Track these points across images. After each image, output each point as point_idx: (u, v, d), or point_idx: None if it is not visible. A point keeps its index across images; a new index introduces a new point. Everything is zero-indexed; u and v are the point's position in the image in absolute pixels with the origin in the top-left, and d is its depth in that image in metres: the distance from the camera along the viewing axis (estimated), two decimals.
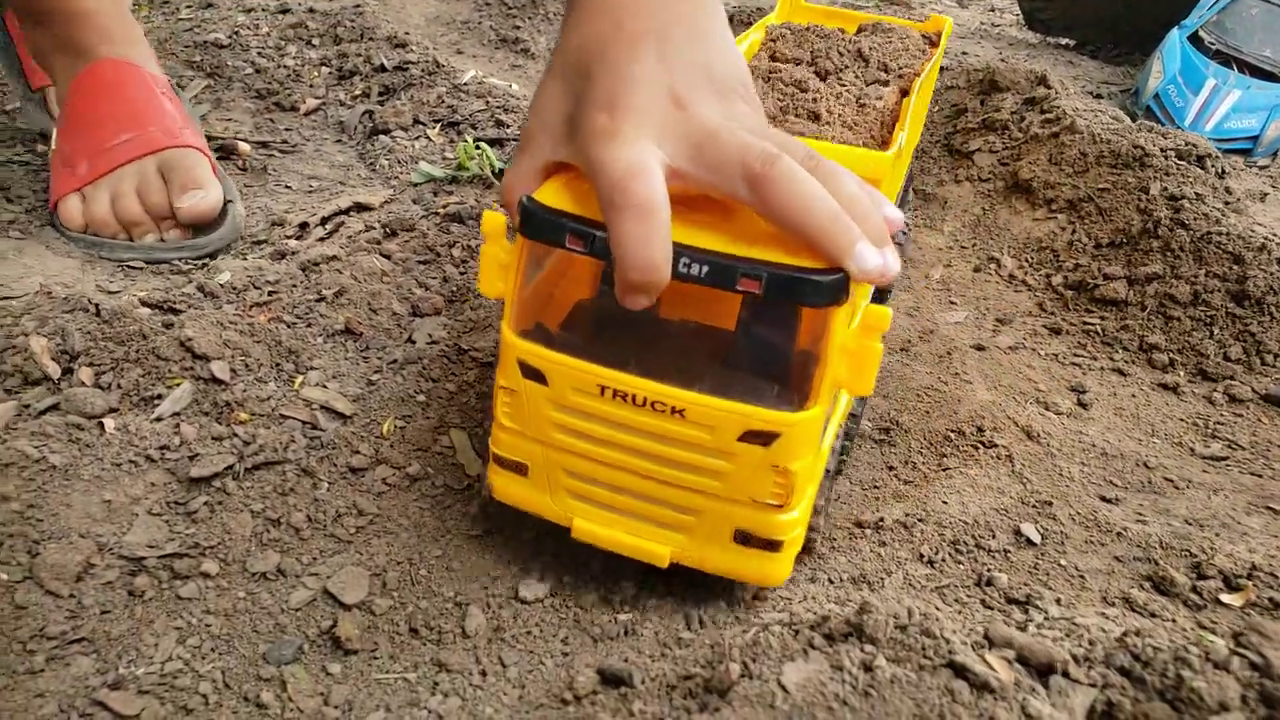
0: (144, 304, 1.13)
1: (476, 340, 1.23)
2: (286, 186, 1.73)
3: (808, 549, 0.93)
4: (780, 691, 0.66)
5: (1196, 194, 1.58)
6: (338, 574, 0.90)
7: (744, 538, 0.83)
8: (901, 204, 1.43)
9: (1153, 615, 0.87)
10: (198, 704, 0.78)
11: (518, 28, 2.77)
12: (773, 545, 0.82)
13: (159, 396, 1.02)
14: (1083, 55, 3.12)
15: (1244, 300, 1.44)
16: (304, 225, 1.51)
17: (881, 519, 1.02)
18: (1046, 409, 1.29)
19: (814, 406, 0.77)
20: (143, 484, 0.93)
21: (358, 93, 2.17)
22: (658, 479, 0.82)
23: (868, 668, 0.67)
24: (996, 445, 1.17)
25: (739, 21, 2.62)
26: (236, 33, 2.39)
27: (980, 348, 1.44)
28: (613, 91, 0.80)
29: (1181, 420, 1.29)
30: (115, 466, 0.93)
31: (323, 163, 1.86)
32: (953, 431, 1.20)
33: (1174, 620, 0.86)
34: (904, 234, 1.41)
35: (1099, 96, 2.53)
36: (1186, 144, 1.70)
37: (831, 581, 0.93)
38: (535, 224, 0.79)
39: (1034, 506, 1.06)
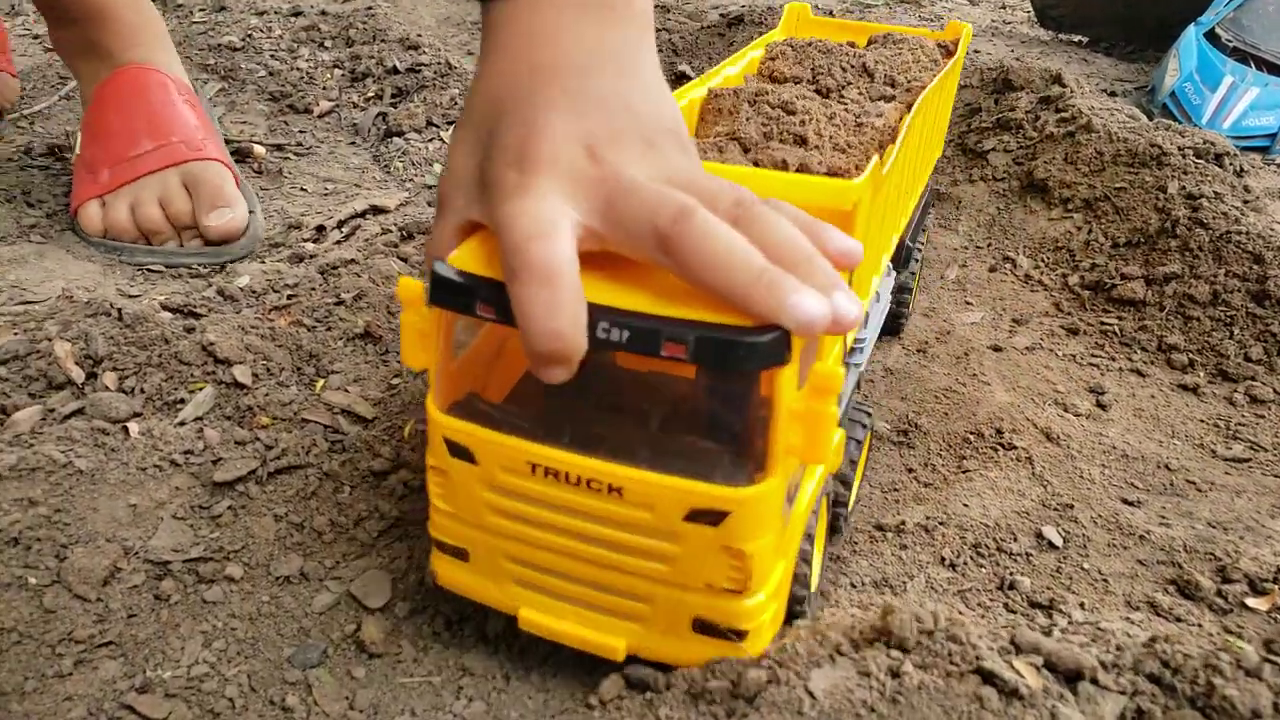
0: (165, 308, 1.14)
1: None
2: (302, 189, 1.74)
3: (794, 616, 0.83)
4: (808, 698, 0.66)
5: (1215, 193, 1.57)
6: (360, 578, 0.91)
7: (704, 626, 0.74)
8: (918, 228, 1.39)
9: (1178, 620, 0.87)
10: (224, 707, 0.78)
11: None
12: (735, 634, 0.74)
13: (182, 401, 1.02)
14: (1096, 53, 3.11)
15: (1265, 300, 1.44)
16: (321, 228, 1.52)
17: (902, 522, 1.02)
18: (1065, 410, 1.29)
19: (768, 479, 0.69)
20: (167, 488, 0.93)
21: (371, 95, 2.18)
22: (605, 565, 0.74)
23: (895, 674, 0.67)
24: (1016, 447, 1.17)
25: (749, 21, 2.61)
26: (250, 35, 2.40)
27: (997, 348, 1.44)
28: (522, 143, 0.73)
29: (1202, 422, 1.29)
30: (140, 471, 0.93)
31: (337, 165, 1.87)
32: (972, 433, 1.20)
33: (1200, 625, 0.86)
34: (918, 248, 1.40)
35: (1113, 94, 2.52)
36: (1204, 142, 1.70)
37: (854, 585, 0.93)
38: (442, 289, 0.71)
39: (1055, 509, 1.06)
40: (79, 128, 1.52)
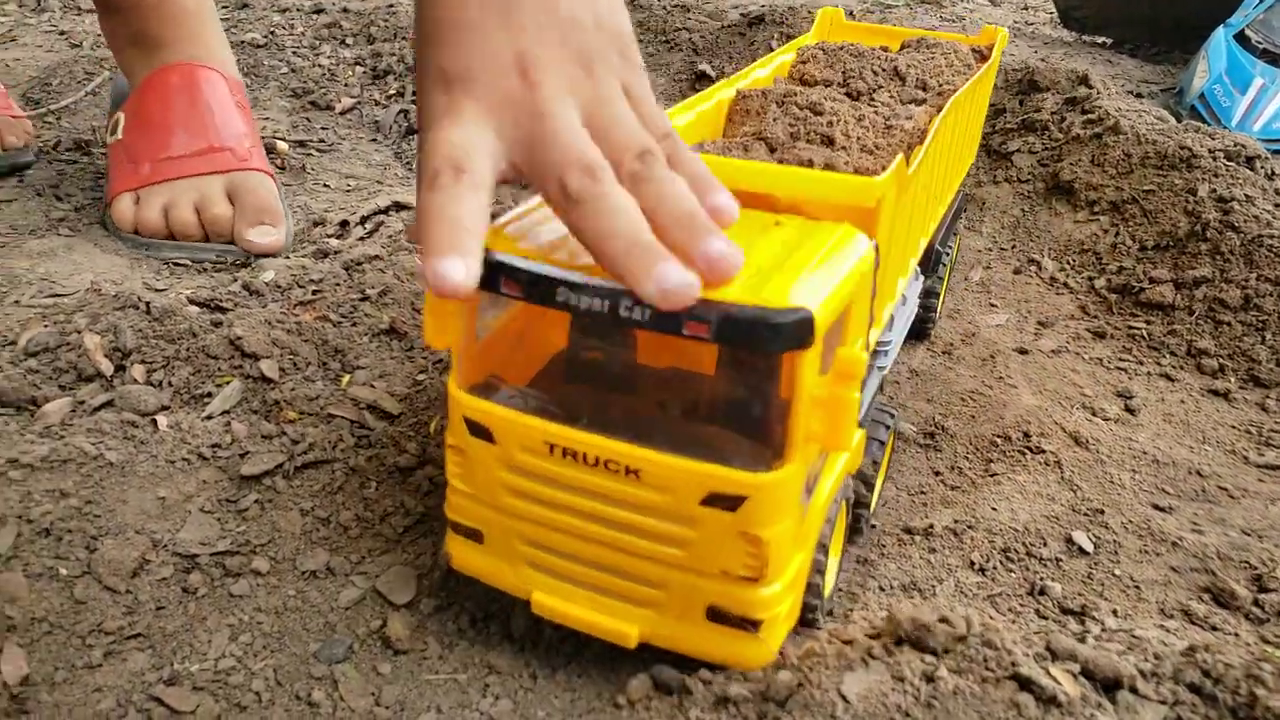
0: (192, 302, 1.14)
1: None
2: (325, 185, 1.74)
3: (807, 623, 0.83)
4: (840, 702, 0.65)
5: (1246, 195, 1.56)
6: (386, 573, 0.90)
7: (718, 615, 0.73)
8: (948, 233, 1.38)
9: (1213, 629, 0.86)
10: (251, 701, 0.78)
11: None
12: (750, 624, 0.73)
13: (209, 394, 1.02)
14: (1120, 54, 3.09)
15: None
16: (344, 224, 1.52)
17: (930, 525, 1.01)
18: (1094, 414, 1.28)
19: (787, 465, 0.69)
20: (195, 481, 0.93)
21: (392, 92, 2.18)
22: (620, 548, 0.74)
23: (929, 679, 0.66)
24: (1044, 451, 1.16)
25: (770, 21, 2.60)
26: (272, 32, 2.40)
27: (1023, 351, 1.43)
28: (450, 61, 0.69)
29: (1234, 428, 1.28)
30: (169, 464, 0.93)
31: (359, 161, 1.87)
32: (999, 437, 1.19)
33: (1237, 634, 0.85)
34: (946, 253, 1.39)
35: (1139, 96, 2.50)
36: (1235, 145, 1.68)
37: (883, 589, 0.92)
38: None
39: (1085, 514, 1.05)
40: (121, 111, 1.49)
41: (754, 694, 0.69)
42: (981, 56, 1.47)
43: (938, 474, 1.13)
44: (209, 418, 0.99)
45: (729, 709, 0.69)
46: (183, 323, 1.06)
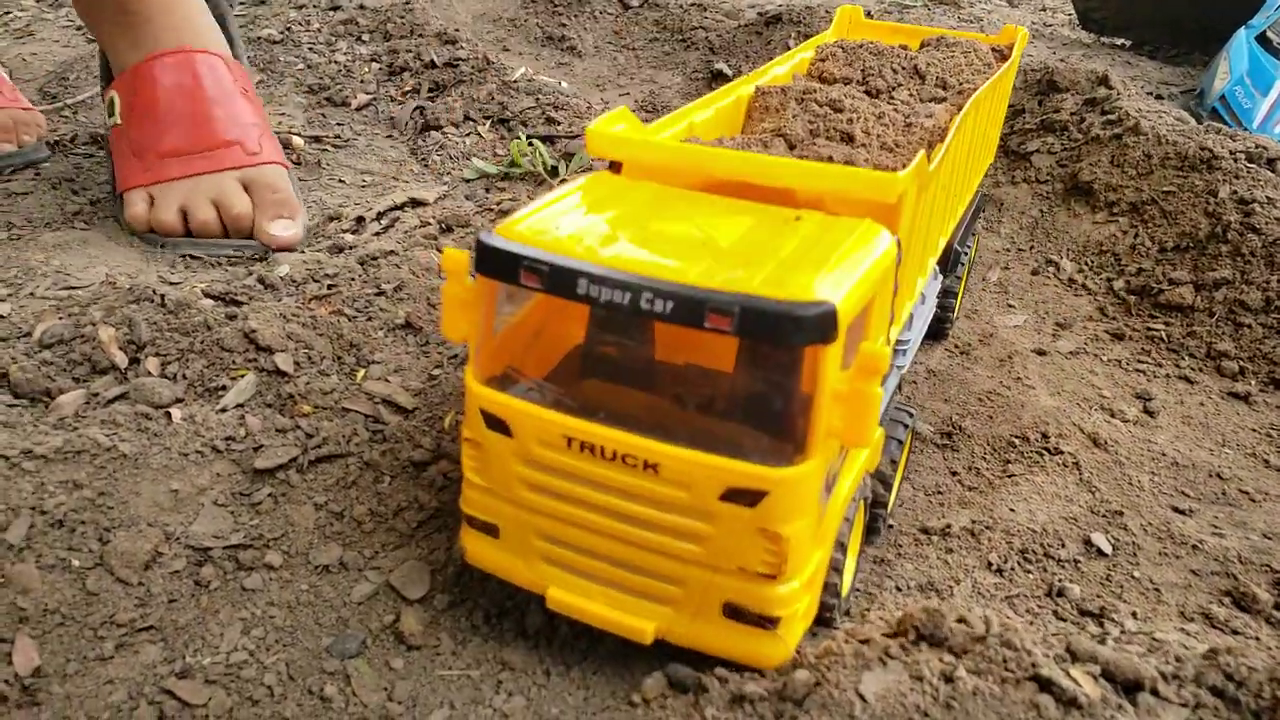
0: (207, 295, 1.14)
1: None
2: (340, 181, 1.73)
3: (824, 622, 0.82)
4: (858, 701, 0.64)
5: (1268, 197, 1.54)
6: (400, 568, 0.90)
7: (735, 612, 0.73)
8: (967, 233, 1.36)
9: (1234, 632, 0.85)
10: (263, 695, 0.78)
11: (564, 25, 2.77)
12: (767, 621, 0.72)
13: (224, 387, 1.02)
14: (1140, 56, 3.07)
15: None
16: (360, 219, 1.51)
17: (948, 526, 1.00)
18: (1112, 416, 1.27)
19: (808, 461, 0.68)
20: (209, 474, 0.93)
21: (408, 89, 2.18)
22: (637, 544, 0.73)
23: (948, 678, 0.65)
24: (1062, 452, 1.15)
25: (787, 20, 2.59)
26: (288, 29, 2.40)
27: (1041, 352, 1.41)
28: None
29: (1254, 431, 1.26)
30: (182, 456, 0.93)
31: (375, 158, 1.87)
32: (1017, 437, 1.18)
33: (1258, 638, 0.84)
34: (965, 252, 1.38)
35: (1158, 97, 2.49)
36: (1257, 146, 1.67)
37: (899, 589, 0.92)
38: (488, 259, 0.71)
39: (1104, 516, 1.04)
40: (115, 91, 1.45)
41: (771, 693, 0.68)
42: (1001, 56, 1.45)
43: (955, 474, 1.12)
44: (223, 411, 0.99)
45: (745, 708, 0.68)
46: (197, 316, 1.06)
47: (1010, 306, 1.56)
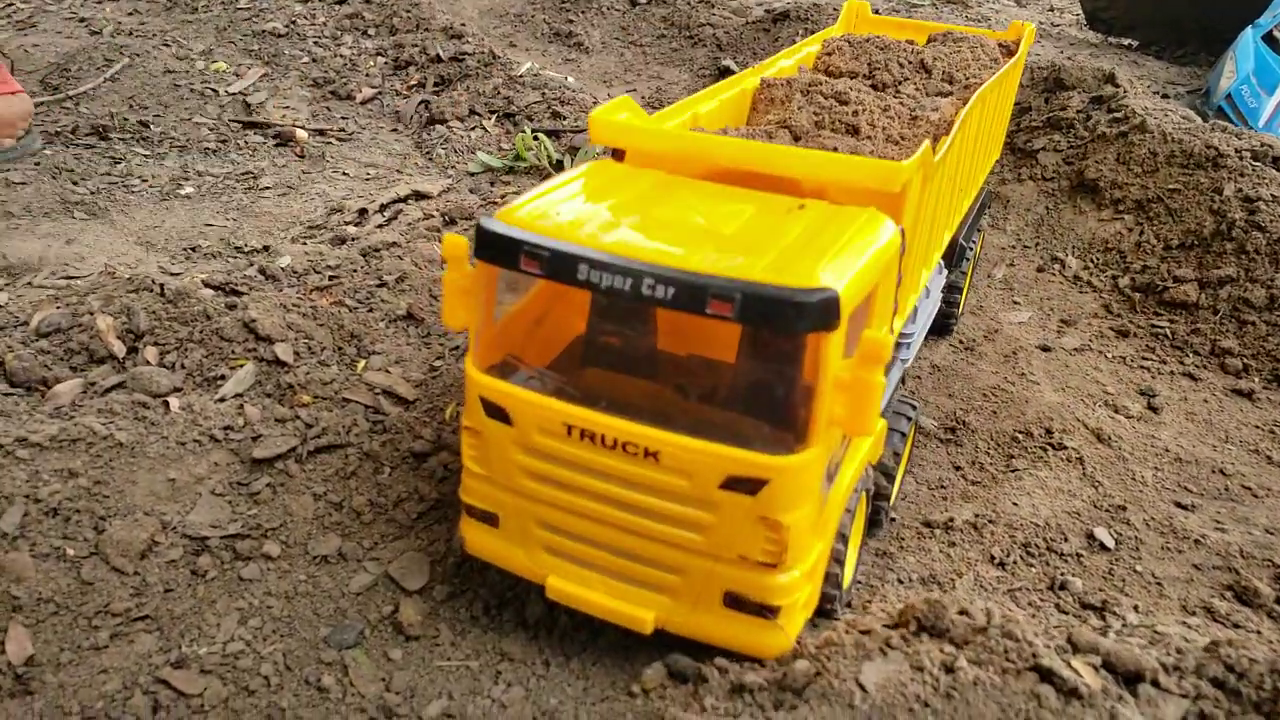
0: (207, 285, 1.13)
1: None
2: (344, 174, 1.73)
3: (825, 613, 0.82)
4: (858, 690, 0.64)
5: (1273, 195, 1.53)
6: (399, 559, 0.89)
7: (735, 601, 0.72)
8: (972, 228, 1.36)
9: (1236, 626, 0.85)
10: (259, 685, 0.77)
11: (571, 21, 2.76)
12: (767, 610, 0.72)
13: (222, 377, 1.01)
14: (1147, 55, 3.06)
15: None
16: (363, 212, 1.51)
17: (951, 519, 1.00)
18: (1116, 412, 1.26)
19: (809, 449, 0.67)
20: (206, 464, 0.93)
21: (414, 83, 2.17)
22: (637, 532, 0.73)
23: (949, 669, 0.65)
24: (1066, 447, 1.14)
25: (795, 18, 2.59)
26: (294, 22, 2.40)
27: (1046, 348, 1.41)
28: None
29: (1258, 427, 1.26)
30: (180, 445, 0.93)
31: (379, 151, 1.86)
32: (1020, 432, 1.18)
33: (1259, 632, 0.83)
34: (970, 247, 1.37)
35: (1165, 97, 2.47)
36: (1262, 145, 1.66)
37: (901, 582, 0.91)
38: (488, 245, 0.71)
39: (1107, 511, 1.03)
40: None
41: (771, 682, 0.68)
42: (1008, 51, 1.45)
43: (958, 469, 1.12)
44: (221, 400, 0.99)
45: (745, 697, 0.68)
46: (196, 305, 1.06)
47: (1015, 303, 1.56)
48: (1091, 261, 1.65)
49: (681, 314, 0.66)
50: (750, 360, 0.74)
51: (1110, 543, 0.98)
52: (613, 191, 0.80)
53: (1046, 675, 0.64)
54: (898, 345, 1.00)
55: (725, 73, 2.41)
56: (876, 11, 1.63)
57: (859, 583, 0.91)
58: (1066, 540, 0.98)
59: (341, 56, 2.26)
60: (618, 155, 0.89)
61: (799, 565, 0.71)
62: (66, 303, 1.07)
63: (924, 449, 1.15)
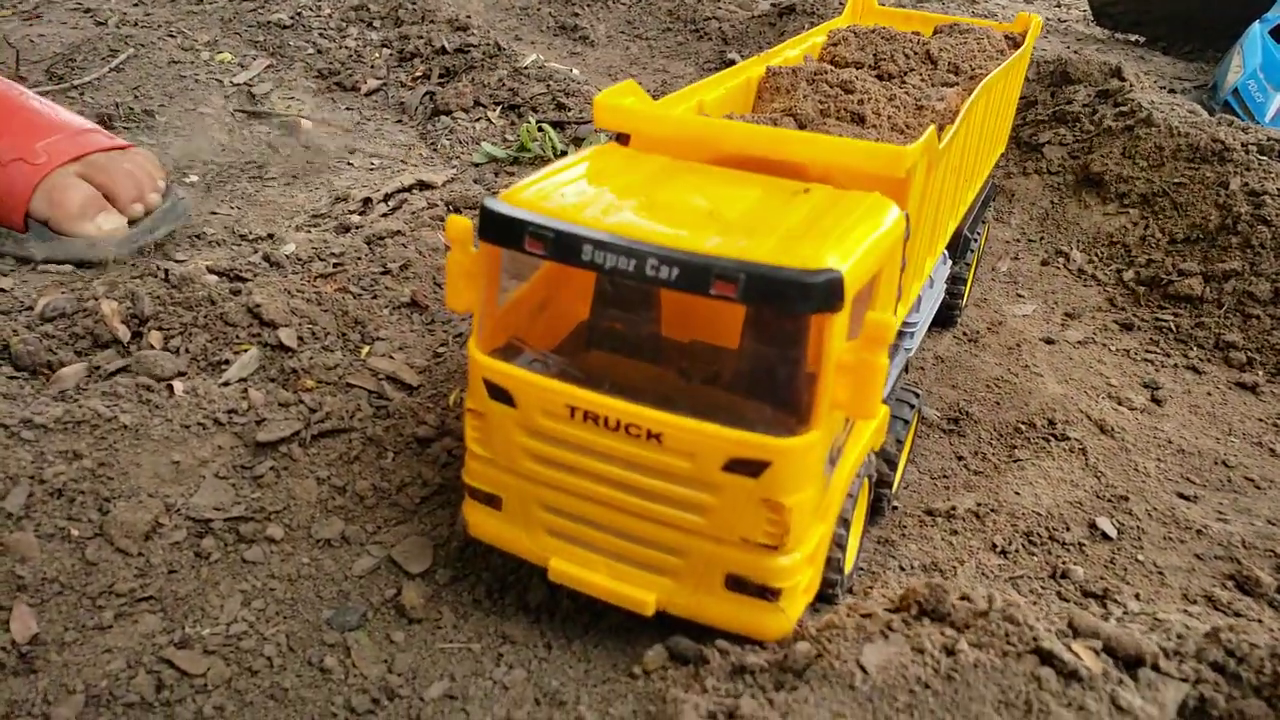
0: (211, 271, 1.14)
1: None
2: (348, 163, 1.73)
3: (826, 598, 0.82)
4: (859, 672, 0.64)
5: (1279, 190, 1.53)
6: (402, 543, 0.90)
7: (737, 583, 0.72)
8: (977, 219, 1.36)
9: (1237, 615, 0.85)
10: (262, 666, 0.78)
11: (576, 15, 2.76)
12: (769, 593, 0.71)
13: (227, 361, 1.02)
14: (1153, 51, 3.06)
15: None
16: (367, 201, 1.51)
17: (953, 508, 1.00)
18: (1119, 404, 1.26)
19: (811, 431, 0.67)
20: (210, 447, 0.93)
21: (419, 74, 2.17)
22: (639, 514, 0.73)
23: (950, 651, 0.65)
24: (1069, 438, 1.14)
25: (801, 11, 2.59)
26: (299, 14, 2.40)
27: (1049, 341, 1.41)
28: None
29: (1261, 420, 1.26)
30: (184, 429, 0.93)
31: (384, 141, 1.87)
32: (1023, 423, 1.18)
33: (1260, 620, 0.83)
34: (975, 239, 1.37)
35: (1172, 92, 2.47)
36: (1269, 139, 1.66)
37: (903, 569, 0.91)
38: (492, 225, 0.71)
39: (1109, 501, 1.03)
40: None
41: (772, 664, 0.68)
42: (1014, 43, 1.45)
43: (961, 459, 1.12)
44: (226, 384, 0.99)
45: (746, 679, 0.68)
46: (201, 290, 1.06)
47: (1020, 296, 1.56)
48: (1096, 255, 1.65)
49: (685, 299, 0.66)
50: (753, 342, 0.74)
51: (1112, 532, 0.98)
52: (617, 175, 0.80)
53: (1047, 658, 0.64)
54: (901, 333, 1.00)
55: (731, 66, 2.41)
56: (883, 3, 1.63)
57: (861, 569, 0.91)
58: (1068, 529, 0.98)
59: (347, 48, 2.26)
60: (622, 140, 0.89)
61: (801, 548, 0.71)
62: (71, 288, 1.07)
63: (927, 439, 1.15)
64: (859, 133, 1.01)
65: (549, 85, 2.05)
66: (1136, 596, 0.87)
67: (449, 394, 1.06)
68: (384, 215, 1.45)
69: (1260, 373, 1.36)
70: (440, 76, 2.16)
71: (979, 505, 1.00)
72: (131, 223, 1.25)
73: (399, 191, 1.55)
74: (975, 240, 1.39)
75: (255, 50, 2.19)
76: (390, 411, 1.02)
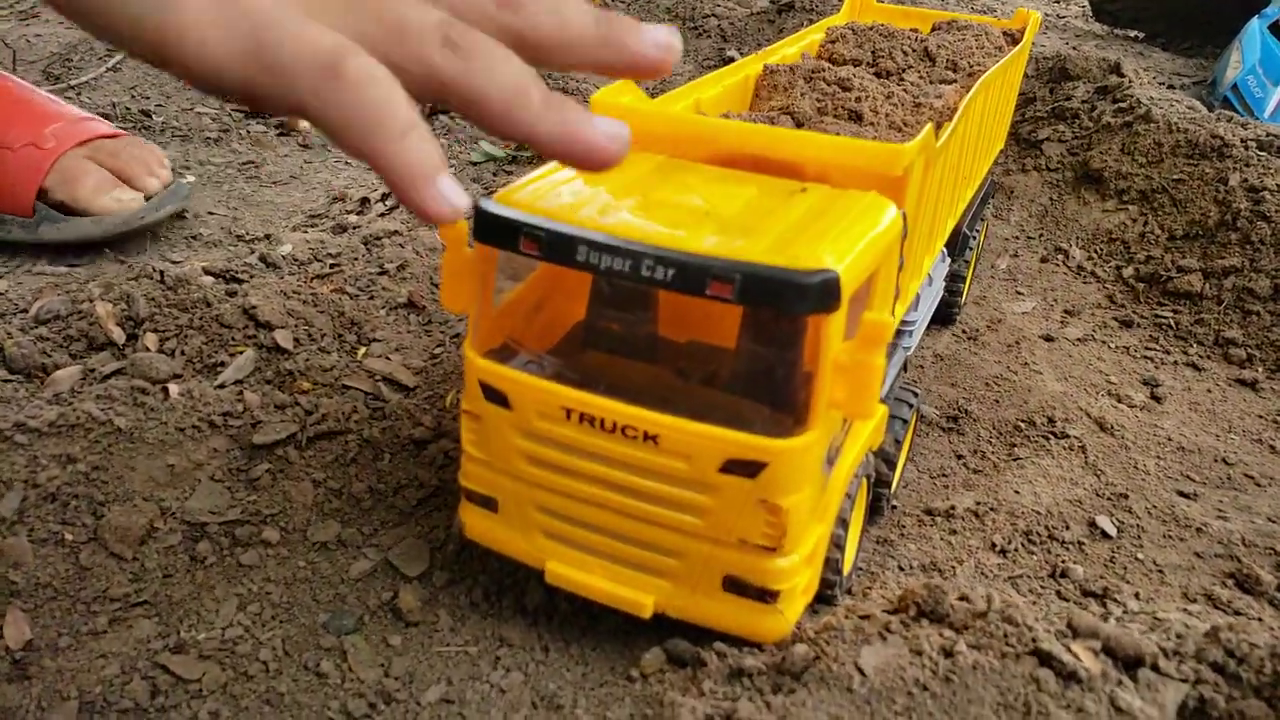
0: (207, 273, 1.13)
1: None
2: (345, 163, 1.73)
3: (825, 599, 0.81)
4: (857, 674, 0.64)
5: (1278, 185, 1.53)
6: (399, 546, 0.89)
7: (735, 585, 0.72)
8: (976, 217, 1.35)
9: (1237, 614, 0.84)
10: (258, 670, 0.77)
11: None
12: (767, 595, 0.71)
13: (222, 363, 1.01)
14: (1153, 47, 3.06)
15: None
16: (365, 200, 1.51)
17: (952, 507, 0.99)
18: (1119, 401, 1.26)
19: (807, 432, 0.67)
20: (205, 449, 0.92)
21: None
22: (636, 516, 0.72)
23: (948, 653, 0.65)
24: (1068, 436, 1.14)
25: (800, 8, 2.58)
26: None
27: (1049, 338, 1.40)
28: None
29: (1260, 417, 1.25)
30: (179, 431, 0.92)
31: None
32: (1023, 421, 1.17)
33: (1260, 619, 0.83)
34: (974, 237, 1.37)
35: (1171, 88, 2.47)
36: (1268, 135, 1.65)
37: (902, 569, 0.91)
38: (487, 227, 0.70)
39: (1109, 499, 1.03)
40: None
41: (769, 666, 0.68)
42: (1013, 40, 1.44)
43: (960, 457, 1.11)
44: (221, 386, 0.99)
45: (744, 681, 0.67)
46: (196, 292, 1.05)
47: (1019, 293, 1.55)
48: (1095, 252, 1.64)
49: (682, 299, 0.66)
50: (750, 342, 0.74)
51: (1112, 531, 0.98)
52: (613, 174, 0.79)
53: (1046, 659, 0.63)
54: (900, 332, 1.00)
55: (730, 64, 2.41)
56: (881, 0, 1.62)
57: (860, 569, 0.91)
58: (1068, 528, 0.98)
59: None
60: None
61: (799, 549, 0.71)
62: (66, 289, 1.07)
63: (926, 438, 1.14)
64: (856, 131, 1.01)
65: (547, 82, 2.04)
66: (1136, 595, 0.87)
67: (446, 395, 1.06)
68: (381, 215, 1.44)
69: (1260, 369, 1.36)
70: None
71: (978, 504, 1.00)
72: (146, 198, 1.29)
73: None
74: (974, 238, 1.38)
75: None
76: (387, 413, 1.02)
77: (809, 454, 0.68)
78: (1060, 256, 1.65)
